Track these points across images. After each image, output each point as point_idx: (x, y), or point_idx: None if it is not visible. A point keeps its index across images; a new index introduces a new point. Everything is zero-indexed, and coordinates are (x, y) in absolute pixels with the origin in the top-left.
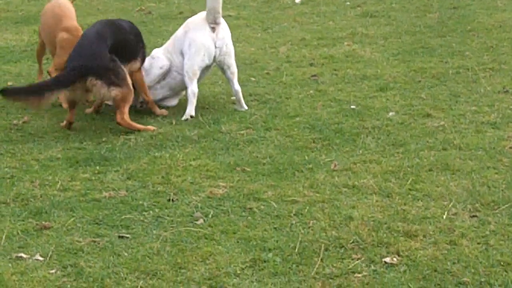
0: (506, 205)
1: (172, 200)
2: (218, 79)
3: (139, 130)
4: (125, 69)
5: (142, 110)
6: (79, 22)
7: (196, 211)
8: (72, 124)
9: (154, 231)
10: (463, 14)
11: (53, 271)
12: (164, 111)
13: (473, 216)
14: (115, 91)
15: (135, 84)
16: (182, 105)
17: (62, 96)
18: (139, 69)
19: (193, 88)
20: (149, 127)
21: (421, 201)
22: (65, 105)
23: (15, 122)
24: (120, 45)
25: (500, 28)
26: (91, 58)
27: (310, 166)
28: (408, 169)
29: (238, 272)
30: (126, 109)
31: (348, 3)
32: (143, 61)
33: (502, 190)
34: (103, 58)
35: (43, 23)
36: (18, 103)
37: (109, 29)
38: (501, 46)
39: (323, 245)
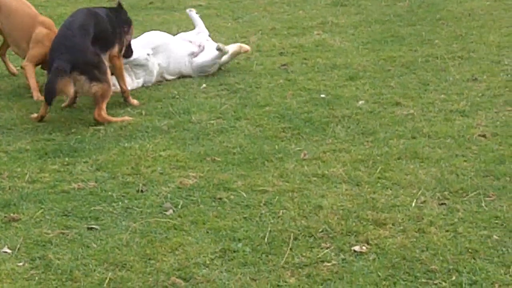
0: (475, 193)
1: (142, 191)
2: None
3: (119, 121)
4: (106, 61)
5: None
6: (51, 13)
7: (166, 202)
8: (43, 118)
9: (123, 222)
10: (433, 3)
11: (21, 263)
12: (136, 102)
13: (442, 204)
14: (95, 87)
15: (113, 70)
16: (151, 96)
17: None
18: (118, 55)
19: None
20: (125, 118)
21: (390, 189)
22: (36, 96)
23: None
24: (100, 36)
25: (469, 16)
26: (76, 52)
27: (280, 155)
28: (378, 157)
29: (208, 262)
30: (104, 105)
31: None
32: (121, 46)
33: (471, 178)
34: (88, 53)
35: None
36: None
37: (91, 20)
38: (470, 35)
39: (292, 234)
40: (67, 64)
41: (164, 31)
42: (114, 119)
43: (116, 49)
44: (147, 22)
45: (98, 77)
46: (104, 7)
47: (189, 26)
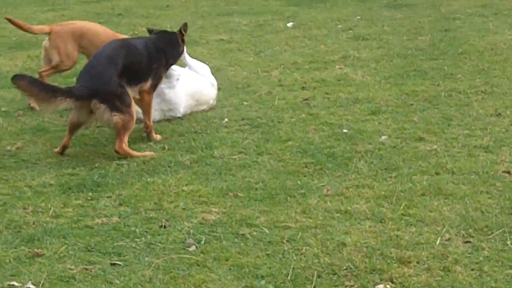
0: (500, 230)
1: (164, 226)
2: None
3: (140, 156)
4: (132, 94)
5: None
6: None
7: (188, 238)
8: (66, 149)
9: (146, 258)
10: (455, 37)
11: None
12: (159, 137)
13: (467, 241)
14: (116, 118)
15: (141, 104)
16: (174, 130)
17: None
18: (149, 90)
19: None
20: (147, 153)
21: (414, 226)
22: (32, 104)
23: (8, 148)
24: (130, 68)
25: (492, 50)
26: (99, 81)
27: (303, 191)
28: (401, 193)
29: None
30: (126, 138)
31: (339, 26)
32: (155, 82)
33: (496, 215)
34: (111, 83)
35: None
36: (27, 94)
37: (121, 52)
38: (493, 69)
39: (316, 272)
40: (87, 91)
41: None
42: (135, 153)
43: (148, 84)
44: None
45: (120, 107)
46: (146, 37)
47: (212, 60)
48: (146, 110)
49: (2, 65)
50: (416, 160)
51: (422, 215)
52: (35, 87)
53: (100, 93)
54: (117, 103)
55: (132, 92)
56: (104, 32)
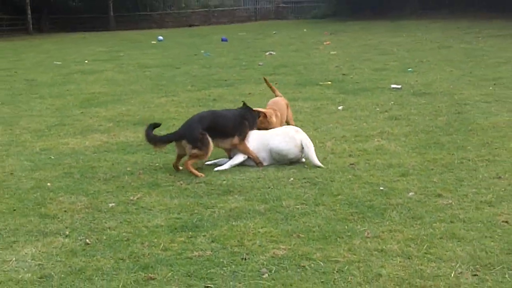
0: (500, 266)
1: (245, 258)
2: (282, 167)
3: (194, 175)
4: (220, 144)
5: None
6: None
7: (263, 268)
8: (177, 168)
9: (231, 283)
10: (465, 118)
11: None
12: (264, 163)
13: (475, 275)
14: (195, 151)
15: (241, 151)
16: (253, 186)
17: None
18: (240, 143)
19: None
20: (200, 174)
21: (434, 262)
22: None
23: (131, 198)
24: (215, 127)
25: (494, 128)
26: (188, 129)
27: (349, 233)
28: (424, 237)
29: None
30: (193, 161)
31: (377, 109)
32: (242, 137)
33: (497, 255)
34: (195, 131)
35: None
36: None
37: (208, 116)
38: (495, 142)
39: None
40: (179, 135)
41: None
42: (193, 171)
43: (235, 139)
44: None
45: (199, 146)
46: (237, 109)
47: None
48: (246, 153)
49: (129, 137)
50: (435, 212)
51: (440, 254)
52: (152, 134)
53: (187, 136)
54: (198, 143)
55: (219, 143)
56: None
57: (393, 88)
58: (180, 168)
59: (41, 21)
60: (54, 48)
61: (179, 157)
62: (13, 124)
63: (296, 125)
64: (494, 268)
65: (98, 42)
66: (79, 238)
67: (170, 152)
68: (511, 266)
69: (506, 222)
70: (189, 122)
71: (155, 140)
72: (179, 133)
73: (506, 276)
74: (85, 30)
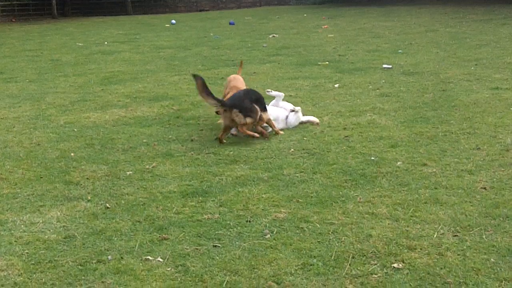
0: (478, 228)
1: (250, 221)
2: (283, 139)
3: (252, 137)
4: (263, 115)
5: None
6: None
7: (265, 229)
8: (221, 141)
9: (237, 243)
10: (449, 95)
11: (169, 269)
12: (281, 132)
13: (455, 235)
14: (249, 119)
15: (268, 123)
16: (257, 156)
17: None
18: (266, 115)
19: None
20: (256, 134)
21: (419, 224)
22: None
23: (147, 167)
24: (257, 101)
25: (475, 104)
26: (238, 100)
27: (343, 199)
28: (410, 202)
29: (293, 272)
30: (246, 127)
31: (370, 87)
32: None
33: (475, 218)
34: (245, 102)
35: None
36: (198, 89)
37: (252, 92)
38: (476, 117)
39: (351, 254)
40: (230, 104)
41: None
42: (249, 132)
43: (266, 113)
44: None
45: (250, 115)
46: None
47: None
48: (271, 124)
49: (144, 112)
50: (421, 179)
51: (424, 217)
52: (204, 87)
53: (238, 106)
54: (249, 112)
55: (263, 114)
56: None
57: (385, 68)
58: (224, 141)
59: (64, 6)
60: (77, 31)
61: (227, 128)
62: (40, 100)
63: (296, 101)
64: (473, 230)
65: (117, 25)
66: (99, 202)
67: (182, 125)
68: (488, 228)
69: (484, 188)
70: (236, 96)
71: (208, 92)
72: (229, 103)
73: (484, 237)
74: (104, 14)
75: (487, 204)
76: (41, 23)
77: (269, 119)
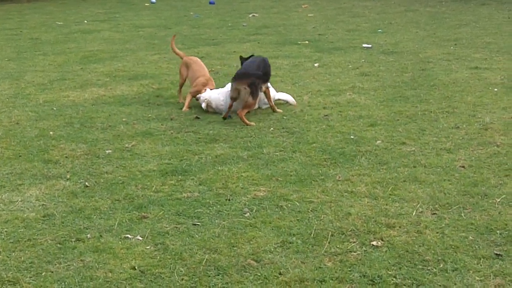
0: (456, 206)
1: (229, 199)
2: (263, 117)
3: (245, 124)
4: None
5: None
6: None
7: (245, 207)
8: (225, 118)
9: (216, 221)
10: (428, 74)
11: (148, 247)
12: (279, 110)
13: (434, 213)
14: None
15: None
16: (237, 135)
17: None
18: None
19: None
20: (251, 123)
21: (398, 202)
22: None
23: (126, 145)
24: (265, 72)
25: (454, 83)
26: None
27: (322, 177)
28: (389, 180)
29: (272, 250)
30: (245, 112)
31: (350, 66)
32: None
33: (454, 196)
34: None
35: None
36: None
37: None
38: (454, 96)
39: (330, 232)
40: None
41: None
42: (245, 120)
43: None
44: None
45: (255, 92)
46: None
47: None
48: (269, 98)
49: (124, 90)
50: (400, 158)
51: (403, 195)
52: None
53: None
54: (253, 88)
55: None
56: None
57: (364, 47)
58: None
59: None
60: (57, 10)
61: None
62: (19, 79)
63: (276, 80)
64: (451, 208)
65: (97, 4)
66: (79, 181)
67: (162, 104)
68: (466, 206)
69: (463, 167)
70: (248, 64)
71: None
72: (241, 73)
73: (462, 214)
74: None
75: (465, 182)
76: (21, 1)
77: (269, 92)
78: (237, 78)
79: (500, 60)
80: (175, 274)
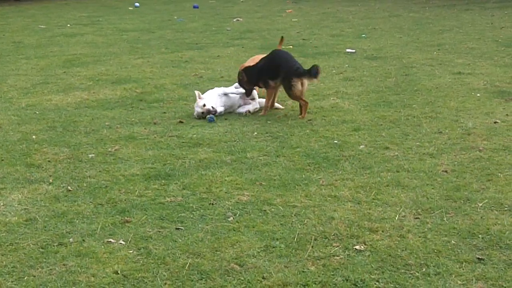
0: (439, 211)
1: (212, 204)
2: (247, 122)
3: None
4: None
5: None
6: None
7: (228, 212)
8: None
9: (200, 225)
10: (412, 79)
11: (131, 251)
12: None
13: (416, 218)
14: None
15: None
16: (220, 139)
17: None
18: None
19: None
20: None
21: (381, 207)
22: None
23: (109, 149)
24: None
25: (437, 89)
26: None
27: (306, 182)
28: (373, 184)
29: (256, 254)
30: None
31: (334, 71)
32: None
33: (437, 200)
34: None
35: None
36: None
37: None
38: (438, 101)
39: (313, 236)
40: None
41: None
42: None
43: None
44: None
45: None
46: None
47: None
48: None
49: (107, 94)
50: (383, 162)
51: (386, 200)
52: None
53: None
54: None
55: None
56: None
57: (348, 52)
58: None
59: None
60: (39, 13)
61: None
62: (1, 82)
63: None
64: (434, 212)
65: (80, 8)
66: (61, 185)
67: (145, 108)
68: (449, 210)
69: (446, 171)
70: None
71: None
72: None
73: (444, 219)
74: None
75: (448, 187)
76: (3, 5)
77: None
78: (304, 73)
79: (483, 65)
80: (158, 279)
